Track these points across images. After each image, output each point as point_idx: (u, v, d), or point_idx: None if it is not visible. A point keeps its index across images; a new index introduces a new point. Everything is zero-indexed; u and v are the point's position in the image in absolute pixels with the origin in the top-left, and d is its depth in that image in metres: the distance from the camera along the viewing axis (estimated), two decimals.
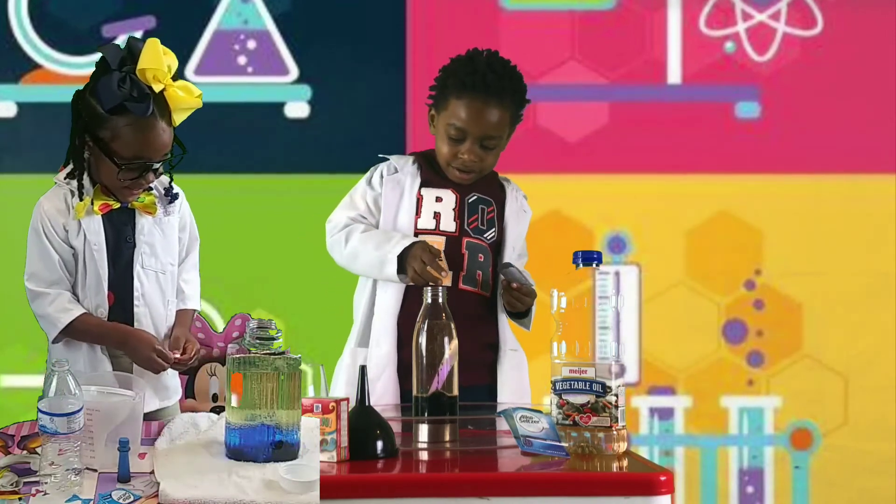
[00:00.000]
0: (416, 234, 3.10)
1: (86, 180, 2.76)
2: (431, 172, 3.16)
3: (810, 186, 4.51)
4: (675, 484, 2.39)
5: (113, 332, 2.77)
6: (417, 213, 3.12)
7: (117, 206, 2.78)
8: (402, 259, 3.02)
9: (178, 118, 2.72)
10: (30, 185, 4.26)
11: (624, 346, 2.41)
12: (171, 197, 2.85)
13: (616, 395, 2.35)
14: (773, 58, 4.52)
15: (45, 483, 2.11)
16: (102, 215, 2.76)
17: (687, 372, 4.48)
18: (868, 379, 4.47)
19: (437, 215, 3.12)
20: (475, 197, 3.15)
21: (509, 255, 3.13)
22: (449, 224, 3.12)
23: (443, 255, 3.03)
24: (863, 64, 4.50)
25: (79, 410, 2.13)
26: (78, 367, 2.71)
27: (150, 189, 2.81)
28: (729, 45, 4.52)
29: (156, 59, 2.66)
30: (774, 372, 4.49)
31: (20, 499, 2.09)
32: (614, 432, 2.35)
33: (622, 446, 2.36)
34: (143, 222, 2.80)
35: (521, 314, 3.12)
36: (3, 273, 4.17)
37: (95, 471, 2.18)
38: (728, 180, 4.51)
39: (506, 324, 3.15)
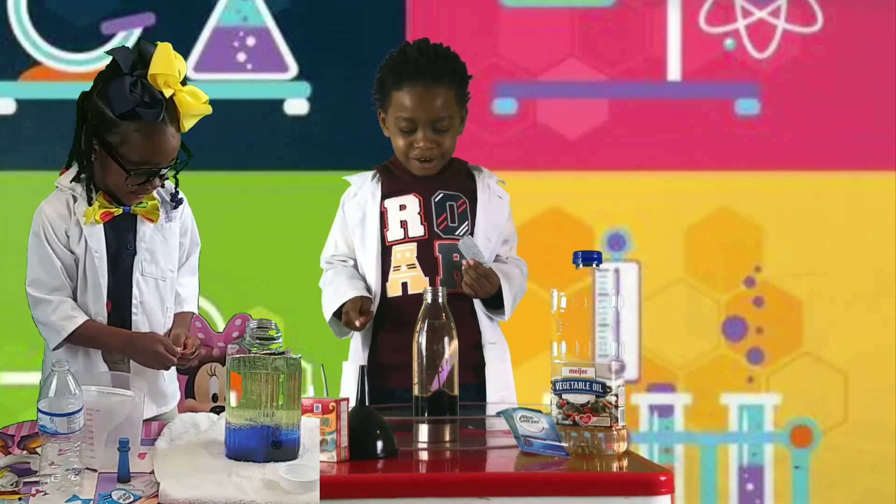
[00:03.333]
0: (388, 247, 3.09)
1: None
2: (392, 182, 3.13)
3: (810, 183, 4.50)
4: (675, 482, 2.39)
5: (116, 337, 2.74)
6: (385, 227, 3.11)
7: (119, 212, 2.74)
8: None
9: (188, 124, 2.70)
10: (29, 182, 4.28)
11: (624, 345, 2.41)
12: (175, 203, 2.82)
13: (616, 395, 2.35)
14: (773, 55, 4.51)
15: (45, 483, 2.11)
16: (104, 222, 2.73)
17: (687, 369, 4.48)
18: (868, 376, 4.46)
19: (403, 223, 3.10)
20: (441, 195, 3.12)
21: (484, 244, 3.09)
22: (417, 229, 3.10)
23: (371, 311, 3.05)
24: (863, 61, 4.50)
25: (79, 410, 2.13)
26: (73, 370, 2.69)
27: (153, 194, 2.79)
28: (729, 42, 4.52)
29: (168, 65, 2.64)
30: (774, 369, 4.49)
31: (20, 499, 2.09)
32: (614, 432, 2.35)
33: (622, 446, 2.36)
34: (145, 229, 2.78)
35: (494, 303, 3.09)
36: (2, 270, 4.17)
37: (95, 471, 2.18)
38: (728, 177, 4.51)
39: (484, 319, 3.11)
